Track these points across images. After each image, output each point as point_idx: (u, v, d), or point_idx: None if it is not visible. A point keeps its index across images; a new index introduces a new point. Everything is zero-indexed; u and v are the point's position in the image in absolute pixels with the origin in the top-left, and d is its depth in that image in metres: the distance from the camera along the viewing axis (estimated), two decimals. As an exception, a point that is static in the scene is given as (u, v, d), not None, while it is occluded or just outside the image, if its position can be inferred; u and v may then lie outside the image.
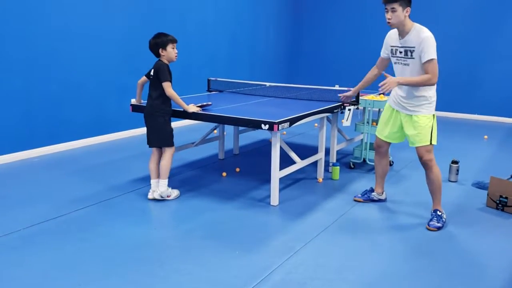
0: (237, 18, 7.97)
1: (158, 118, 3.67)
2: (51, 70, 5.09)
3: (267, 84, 5.73)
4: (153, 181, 3.79)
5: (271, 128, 3.35)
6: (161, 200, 3.74)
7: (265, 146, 5.73)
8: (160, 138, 3.73)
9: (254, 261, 2.77)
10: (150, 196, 3.77)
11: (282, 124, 3.40)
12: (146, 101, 3.82)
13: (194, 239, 3.07)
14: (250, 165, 4.87)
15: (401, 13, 3.13)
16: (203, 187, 4.11)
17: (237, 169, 4.65)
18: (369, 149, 4.73)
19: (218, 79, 5.50)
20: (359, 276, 2.63)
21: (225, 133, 5.13)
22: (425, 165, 3.34)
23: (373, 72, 3.72)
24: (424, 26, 3.23)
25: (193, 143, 4.64)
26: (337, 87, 5.24)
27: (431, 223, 3.31)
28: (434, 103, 3.32)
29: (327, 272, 2.66)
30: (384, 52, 3.54)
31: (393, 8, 3.13)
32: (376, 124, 4.74)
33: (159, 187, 3.73)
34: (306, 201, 3.81)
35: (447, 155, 5.13)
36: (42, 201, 3.69)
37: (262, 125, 3.39)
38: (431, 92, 3.27)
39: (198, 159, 5.06)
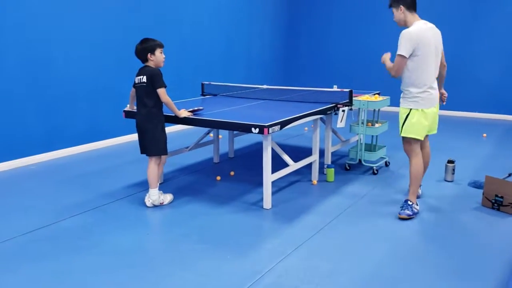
0: (232, 20, 7.97)
1: (157, 125, 3.62)
2: (45, 77, 5.09)
3: (264, 86, 5.71)
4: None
5: (261, 132, 3.32)
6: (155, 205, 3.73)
7: (260, 149, 5.70)
8: (159, 146, 3.66)
9: (245, 265, 2.75)
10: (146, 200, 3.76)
11: (273, 127, 3.38)
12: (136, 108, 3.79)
13: (186, 243, 3.05)
14: (245, 168, 4.85)
15: (397, 13, 3.51)
16: (197, 192, 4.09)
17: (232, 173, 4.63)
18: (365, 150, 4.69)
19: (212, 83, 5.49)
20: (350, 279, 2.61)
21: (220, 136, 5.12)
22: (406, 154, 3.60)
23: None
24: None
25: (187, 147, 4.63)
26: (335, 88, 5.22)
27: (401, 211, 3.48)
28: (417, 99, 3.44)
29: (318, 276, 2.64)
30: None
31: (392, 12, 3.55)
32: (372, 125, 4.72)
33: (150, 196, 3.70)
34: (299, 204, 3.78)
35: (445, 154, 5.11)
36: (37, 208, 3.68)
37: (252, 129, 3.37)
38: (413, 89, 3.45)
39: (193, 163, 5.04)
